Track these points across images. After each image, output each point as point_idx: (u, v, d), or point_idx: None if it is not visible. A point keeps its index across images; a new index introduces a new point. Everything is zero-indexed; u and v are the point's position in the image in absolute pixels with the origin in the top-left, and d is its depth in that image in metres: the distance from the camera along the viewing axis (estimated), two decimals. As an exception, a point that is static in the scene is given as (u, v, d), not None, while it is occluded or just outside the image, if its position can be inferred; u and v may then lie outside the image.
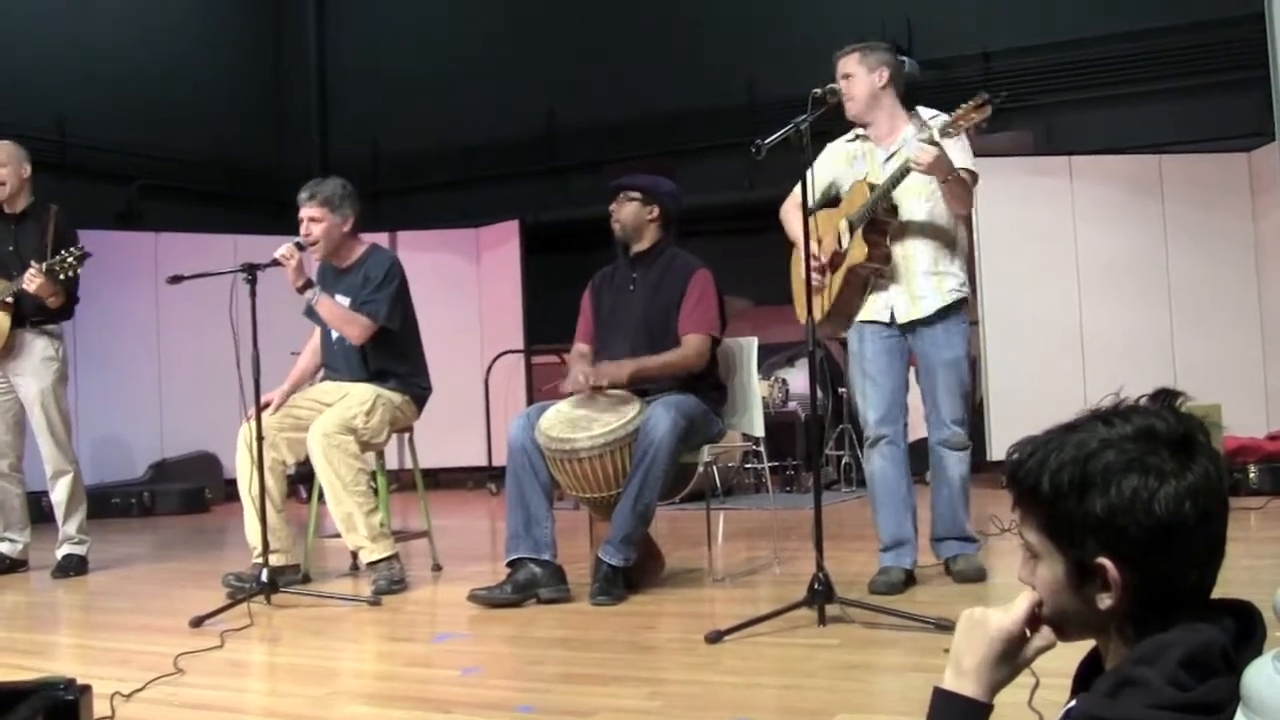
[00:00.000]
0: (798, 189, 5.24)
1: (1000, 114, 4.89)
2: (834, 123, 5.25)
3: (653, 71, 12.61)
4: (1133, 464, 1.58)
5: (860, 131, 5.36)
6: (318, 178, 6.21)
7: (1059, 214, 9.50)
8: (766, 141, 4.58)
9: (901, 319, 5.23)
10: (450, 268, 11.87)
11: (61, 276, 6.38)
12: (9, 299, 6.53)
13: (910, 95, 5.47)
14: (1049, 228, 9.45)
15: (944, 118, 5.17)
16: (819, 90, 4.69)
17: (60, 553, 6.76)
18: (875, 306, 5.28)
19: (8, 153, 6.70)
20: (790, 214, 5.42)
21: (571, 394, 5.39)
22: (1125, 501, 1.56)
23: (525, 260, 11.85)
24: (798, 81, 5.49)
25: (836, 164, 5.40)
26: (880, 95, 5.25)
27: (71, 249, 6.36)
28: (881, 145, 5.28)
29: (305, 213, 6.03)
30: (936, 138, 4.84)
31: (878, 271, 5.21)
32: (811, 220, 4.89)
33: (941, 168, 4.87)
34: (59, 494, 6.76)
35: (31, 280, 6.36)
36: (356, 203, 6.14)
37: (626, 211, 5.69)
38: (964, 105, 4.76)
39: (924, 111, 5.26)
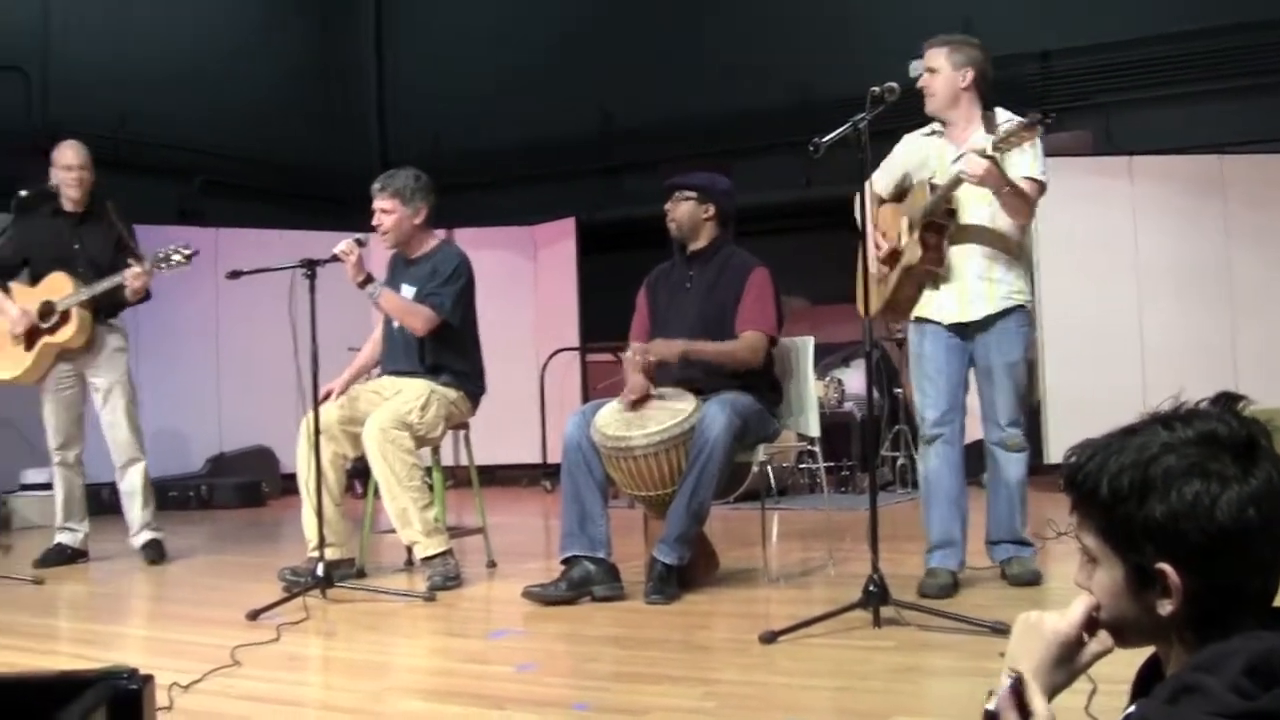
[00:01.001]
0: (875, 175, 5.28)
1: (1059, 114, 4.83)
2: (892, 121, 5.22)
3: (710, 70, 12.59)
4: (1194, 468, 1.57)
5: (937, 127, 5.30)
6: (392, 169, 6.23)
7: (1119, 215, 9.42)
8: (824, 140, 4.57)
9: (949, 321, 5.19)
10: (507, 265, 11.88)
11: (166, 271, 6.48)
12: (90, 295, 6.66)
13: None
14: (1108, 228, 9.37)
15: (1014, 123, 5.13)
16: (877, 89, 4.64)
17: (141, 539, 6.93)
18: (928, 305, 5.25)
19: (82, 156, 6.81)
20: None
21: (634, 400, 5.36)
22: (1186, 507, 1.55)
23: (581, 258, 11.87)
24: (855, 80, 5.45)
25: (910, 156, 5.35)
26: (961, 95, 5.18)
27: (179, 246, 6.45)
28: (953, 144, 5.22)
29: (377, 204, 6.08)
30: (990, 151, 4.76)
31: (932, 273, 5.18)
32: (883, 213, 4.91)
33: (993, 180, 4.83)
34: (132, 482, 6.91)
35: (137, 277, 6.50)
36: (430, 195, 6.15)
37: (682, 210, 5.68)
38: (1015, 122, 4.71)
39: (1000, 114, 5.20)
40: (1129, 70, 10.75)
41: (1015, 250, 5.18)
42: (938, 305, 5.21)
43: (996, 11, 10.90)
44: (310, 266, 5.52)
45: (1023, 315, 5.20)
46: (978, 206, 5.10)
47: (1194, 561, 1.56)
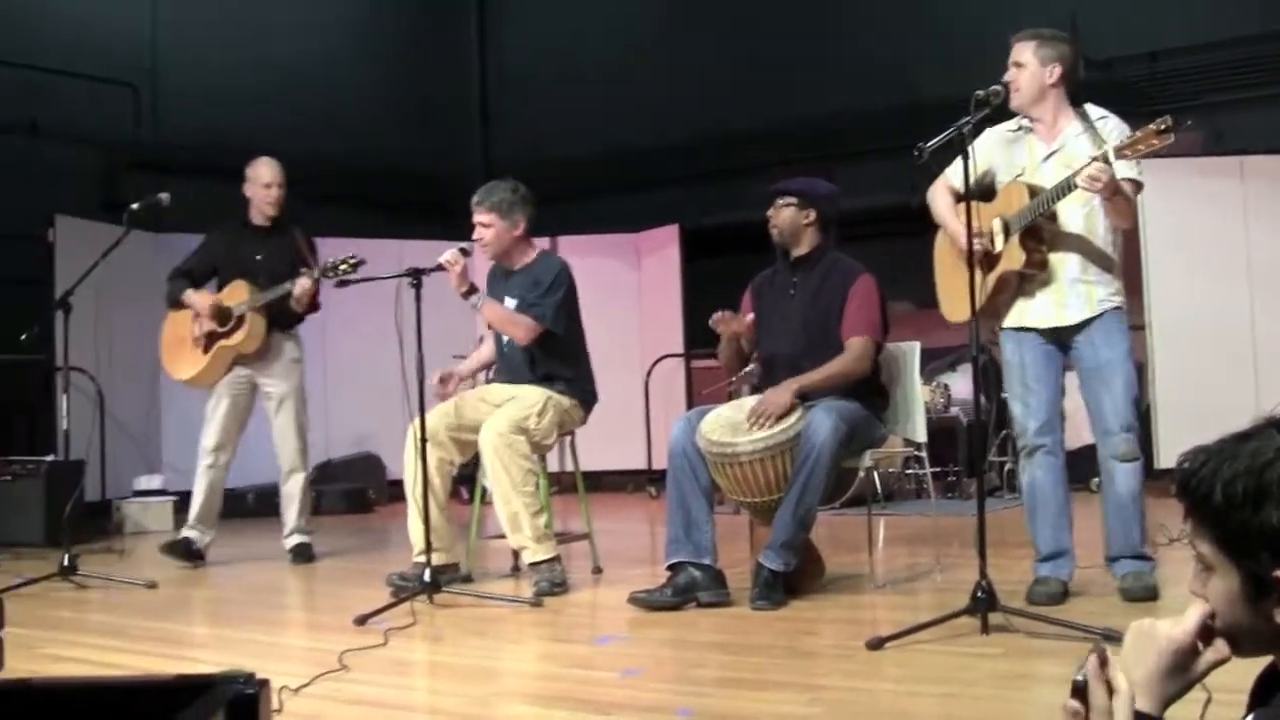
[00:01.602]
0: (949, 170, 5.18)
1: (1168, 113, 4.70)
2: (995, 123, 5.17)
3: (812, 74, 12.55)
4: (1311, 474, 1.54)
5: (1024, 123, 5.18)
6: (493, 181, 6.29)
7: (1229, 216, 9.24)
8: (929, 144, 4.53)
9: (1046, 325, 5.08)
10: (611, 273, 11.93)
11: (335, 280, 6.61)
12: (265, 303, 6.91)
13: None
14: (1219, 230, 9.20)
15: (1114, 122, 5.03)
16: (982, 92, 4.61)
17: (290, 541, 7.24)
18: (1024, 313, 5.14)
19: (278, 173, 7.19)
20: (939, 195, 5.35)
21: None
22: (1303, 513, 1.52)
23: (685, 265, 11.89)
24: (960, 82, 5.40)
25: (994, 151, 5.22)
26: (1048, 91, 5.06)
27: (347, 256, 6.58)
28: (1043, 141, 5.14)
29: (476, 218, 6.15)
30: (1112, 158, 4.61)
31: (1030, 277, 5.09)
32: (963, 209, 4.84)
33: (1110, 189, 4.70)
34: (293, 488, 7.23)
35: (302, 286, 6.76)
36: (528, 207, 6.18)
37: (783, 216, 5.66)
38: (1145, 129, 4.47)
39: (1092, 110, 5.08)
40: (1238, 69, 10.54)
41: (1111, 253, 5.08)
42: (1033, 311, 5.11)
43: (1103, 12, 10.75)
44: (416, 275, 5.56)
45: (1120, 316, 5.09)
46: (1073, 209, 4.99)
47: (1311, 569, 1.53)
